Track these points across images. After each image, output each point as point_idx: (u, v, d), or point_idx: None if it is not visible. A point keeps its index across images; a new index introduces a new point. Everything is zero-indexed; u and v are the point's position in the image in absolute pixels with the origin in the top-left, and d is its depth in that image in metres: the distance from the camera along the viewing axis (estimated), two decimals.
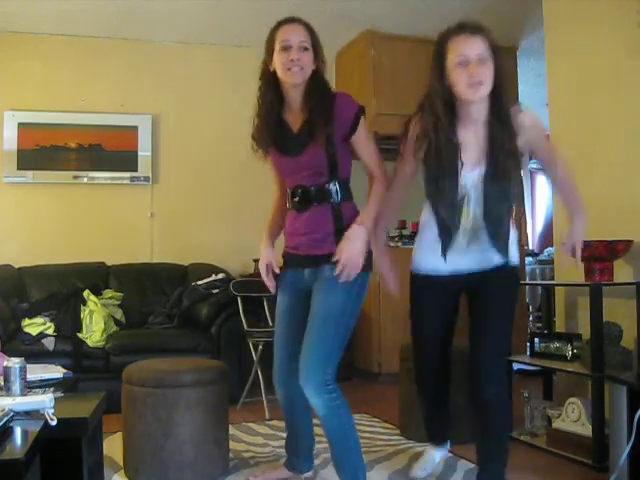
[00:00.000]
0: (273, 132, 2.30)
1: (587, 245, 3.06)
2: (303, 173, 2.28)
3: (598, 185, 3.36)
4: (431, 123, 2.19)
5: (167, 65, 5.32)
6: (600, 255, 3.04)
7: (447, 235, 2.29)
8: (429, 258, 2.37)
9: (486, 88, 2.11)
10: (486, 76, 2.09)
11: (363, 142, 2.30)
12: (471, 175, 2.22)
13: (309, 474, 2.68)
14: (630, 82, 3.21)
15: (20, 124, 4.93)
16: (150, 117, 5.22)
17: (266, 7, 4.64)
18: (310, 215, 2.29)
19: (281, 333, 2.45)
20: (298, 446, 2.63)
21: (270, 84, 2.29)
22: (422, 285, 2.43)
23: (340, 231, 2.25)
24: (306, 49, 2.22)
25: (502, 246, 2.31)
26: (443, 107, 2.17)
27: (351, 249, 2.18)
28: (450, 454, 2.91)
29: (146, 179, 5.20)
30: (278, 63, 2.22)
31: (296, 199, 2.31)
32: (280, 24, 2.27)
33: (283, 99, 2.30)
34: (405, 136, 2.36)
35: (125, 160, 5.16)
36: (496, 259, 2.32)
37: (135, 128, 5.18)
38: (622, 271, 3.16)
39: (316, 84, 2.25)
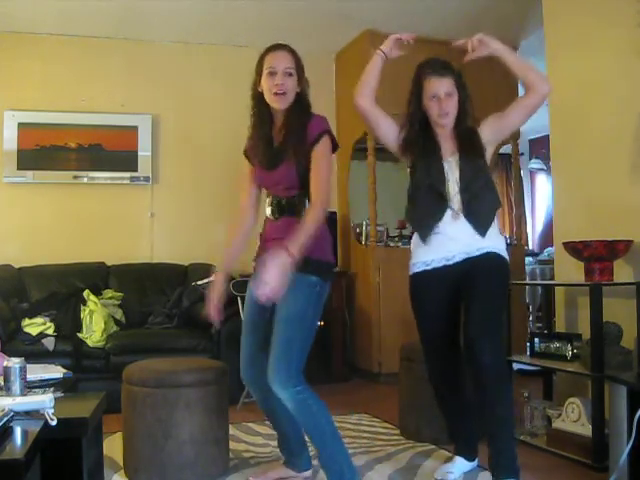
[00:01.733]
0: (264, 150, 2.49)
1: (587, 245, 3.07)
2: (279, 186, 2.47)
3: (598, 185, 3.36)
4: (414, 133, 2.71)
5: (167, 65, 5.31)
6: (600, 255, 3.04)
7: (439, 203, 2.60)
8: (420, 252, 2.66)
9: (452, 116, 2.64)
10: (452, 107, 2.63)
11: (316, 161, 2.38)
12: (448, 160, 2.63)
13: (308, 473, 2.70)
14: (630, 82, 3.21)
15: (20, 124, 4.93)
16: (150, 117, 5.22)
17: (266, 7, 4.65)
18: (281, 224, 2.47)
19: (246, 329, 2.60)
20: (288, 442, 2.69)
21: (260, 104, 2.48)
22: (419, 285, 2.68)
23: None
24: (290, 75, 2.42)
25: (476, 218, 2.56)
26: (419, 126, 2.70)
27: (274, 278, 2.15)
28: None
29: (146, 179, 5.20)
30: (265, 88, 2.43)
31: (272, 208, 2.51)
32: (268, 51, 2.47)
33: (271, 117, 2.50)
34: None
35: (125, 160, 5.16)
36: (482, 242, 2.56)
37: (135, 128, 5.18)
38: (622, 271, 3.16)
39: (298, 106, 2.44)
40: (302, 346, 2.37)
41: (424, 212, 2.64)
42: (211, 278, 4.61)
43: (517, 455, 2.45)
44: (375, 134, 2.86)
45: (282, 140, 2.45)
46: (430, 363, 2.76)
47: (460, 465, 2.76)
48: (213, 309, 2.59)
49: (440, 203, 2.59)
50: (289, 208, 2.45)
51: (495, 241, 2.60)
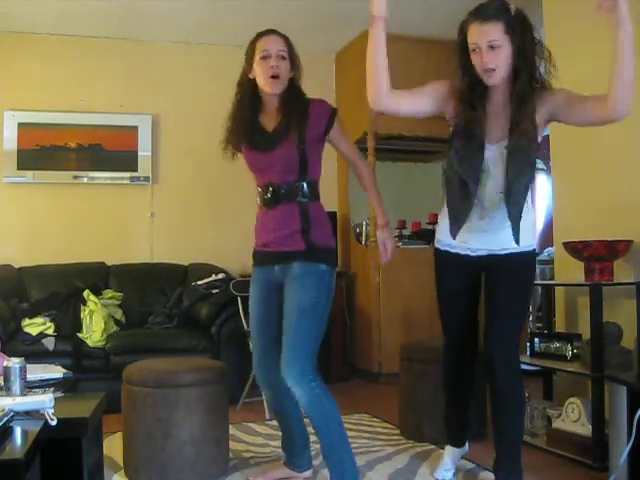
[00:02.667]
0: (247, 133, 2.44)
1: (587, 245, 3.07)
2: (275, 169, 2.39)
3: (598, 185, 3.36)
4: (463, 91, 2.30)
5: (167, 65, 5.32)
6: (600, 255, 3.04)
7: (466, 202, 2.35)
8: (446, 232, 2.49)
9: (499, 73, 2.19)
10: (497, 62, 2.16)
11: (340, 136, 2.49)
12: (492, 148, 2.30)
13: (308, 473, 2.70)
14: None
15: (20, 124, 4.93)
16: (150, 117, 5.22)
17: (266, 7, 4.65)
18: (278, 212, 2.41)
19: (256, 330, 2.55)
20: (293, 442, 2.68)
21: (248, 90, 2.44)
22: (442, 262, 2.57)
23: (306, 229, 2.37)
24: (284, 58, 2.38)
25: (516, 224, 2.32)
26: (469, 82, 2.29)
27: (388, 246, 2.52)
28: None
29: (146, 179, 5.20)
30: (259, 72, 2.38)
31: (266, 196, 2.43)
32: (259, 36, 2.43)
33: (259, 103, 2.46)
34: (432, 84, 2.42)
35: (125, 160, 5.16)
36: (508, 243, 2.37)
37: (135, 128, 5.18)
38: (622, 271, 3.16)
39: (292, 91, 2.42)
40: (316, 338, 2.35)
41: (455, 205, 2.42)
42: (211, 278, 4.64)
43: (522, 469, 2.43)
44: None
45: (280, 122, 2.40)
46: (447, 338, 2.61)
47: (454, 457, 2.77)
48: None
49: (470, 200, 2.35)
50: (287, 194, 2.39)
51: (524, 233, 2.37)
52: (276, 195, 2.40)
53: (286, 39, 2.42)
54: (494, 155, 2.29)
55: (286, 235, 2.38)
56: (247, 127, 2.44)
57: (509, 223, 2.33)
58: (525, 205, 2.34)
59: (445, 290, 2.59)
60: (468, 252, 2.47)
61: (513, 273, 2.39)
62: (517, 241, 2.35)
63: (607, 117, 2.19)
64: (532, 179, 2.33)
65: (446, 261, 2.54)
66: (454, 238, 2.45)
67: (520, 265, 2.41)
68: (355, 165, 2.58)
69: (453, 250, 2.49)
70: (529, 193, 2.37)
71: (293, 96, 2.40)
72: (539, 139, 2.32)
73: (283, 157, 2.37)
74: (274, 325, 2.46)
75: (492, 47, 2.15)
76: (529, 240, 2.42)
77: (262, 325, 2.53)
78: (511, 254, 2.39)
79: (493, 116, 2.30)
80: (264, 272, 2.50)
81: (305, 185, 2.40)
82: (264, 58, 2.36)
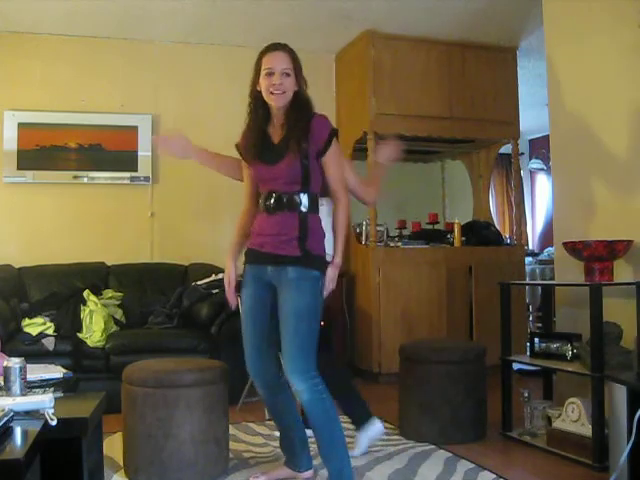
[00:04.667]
0: (256, 143, 2.52)
1: (587, 245, 3.07)
2: (279, 181, 2.46)
3: (598, 185, 3.36)
4: None
5: (167, 65, 5.32)
6: (600, 255, 3.04)
7: None
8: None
9: None
10: None
11: (332, 162, 2.51)
12: None
13: (309, 473, 2.70)
14: (630, 82, 3.21)
15: (20, 124, 4.92)
16: (150, 117, 5.22)
17: (266, 8, 4.65)
18: (279, 219, 2.48)
19: (248, 326, 2.60)
20: (291, 442, 2.69)
21: (257, 102, 2.52)
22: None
23: (303, 238, 2.45)
24: (288, 75, 2.45)
25: None
26: None
27: (331, 286, 2.53)
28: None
29: (146, 179, 5.20)
30: (263, 87, 2.46)
31: (269, 202, 2.49)
32: (266, 50, 2.50)
33: (269, 115, 2.53)
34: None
35: (125, 160, 5.15)
36: None
37: (135, 128, 5.18)
38: (622, 271, 3.16)
39: (297, 104, 2.48)
40: (314, 339, 2.43)
41: None
42: (211, 278, 4.64)
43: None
44: None
45: (284, 136, 2.47)
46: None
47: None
48: (230, 295, 2.64)
49: None
50: (289, 203, 2.46)
51: None
52: (279, 203, 2.47)
53: (292, 55, 2.48)
54: None
55: (284, 240, 2.46)
56: (253, 141, 2.52)
57: None
58: None
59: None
60: None
61: None
62: None
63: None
64: None
65: None
66: None
67: None
68: (334, 197, 2.57)
69: None
70: None
71: (297, 110, 2.46)
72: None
73: (287, 170, 2.44)
74: (265, 322, 2.54)
75: None
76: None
77: (254, 321, 2.57)
78: None
79: None
80: (257, 270, 2.55)
81: (306, 196, 2.46)
82: (268, 75, 2.43)
